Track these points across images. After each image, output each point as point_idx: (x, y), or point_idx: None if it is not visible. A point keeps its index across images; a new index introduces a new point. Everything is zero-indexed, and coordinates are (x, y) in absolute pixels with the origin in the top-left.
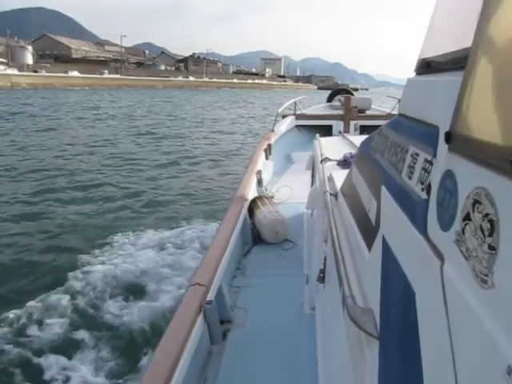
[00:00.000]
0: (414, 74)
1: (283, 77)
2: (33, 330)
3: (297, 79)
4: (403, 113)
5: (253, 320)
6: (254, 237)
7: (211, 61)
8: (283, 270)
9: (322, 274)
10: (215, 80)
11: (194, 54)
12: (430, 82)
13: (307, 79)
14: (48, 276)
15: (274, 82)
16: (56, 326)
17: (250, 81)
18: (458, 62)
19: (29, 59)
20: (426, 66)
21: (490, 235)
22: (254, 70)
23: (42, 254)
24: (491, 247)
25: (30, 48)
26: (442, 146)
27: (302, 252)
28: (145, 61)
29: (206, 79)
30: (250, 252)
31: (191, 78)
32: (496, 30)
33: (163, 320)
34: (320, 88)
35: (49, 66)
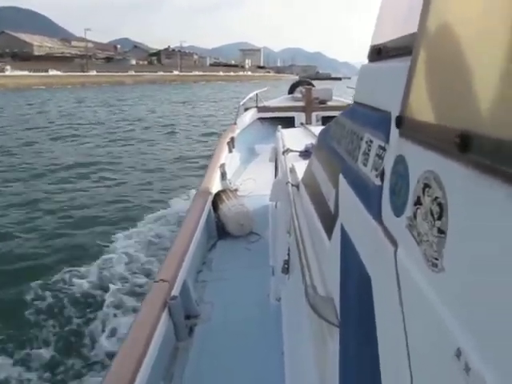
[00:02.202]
0: (367, 61)
1: (263, 67)
2: None
3: (277, 70)
4: (358, 100)
5: (219, 314)
6: (219, 231)
7: (186, 53)
8: (249, 263)
9: (286, 265)
10: (190, 73)
11: (169, 46)
12: (381, 69)
13: (288, 69)
14: None
15: (256, 74)
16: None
17: (232, 73)
18: (406, 48)
19: None
20: (377, 53)
21: (439, 218)
22: (233, 62)
23: None
24: (440, 231)
25: None
26: (394, 132)
27: (268, 244)
28: (114, 56)
29: (179, 73)
30: (216, 246)
31: (160, 73)
32: (438, 15)
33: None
34: (301, 78)
35: (1, 63)
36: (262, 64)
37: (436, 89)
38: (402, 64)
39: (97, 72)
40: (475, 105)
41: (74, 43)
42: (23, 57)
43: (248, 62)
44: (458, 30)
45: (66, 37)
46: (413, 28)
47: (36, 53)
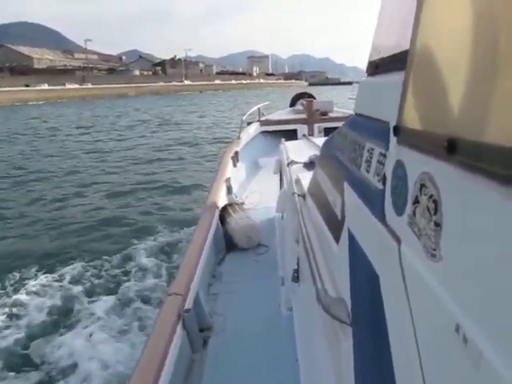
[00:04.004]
0: (366, 75)
1: (272, 74)
2: None
3: (285, 76)
4: (358, 112)
5: (232, 325)
6: (228, 244)
7: (191, 62)
8: (258, 274)
9: (296, 274)
10: (196, 83)
11: (174, 56)
12: (378, 83)
13: (297, 75)
14: None
15: (269, 81)
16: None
17: (243, 81)
18: (401, 63)
19: None
20: (375, 68)
21: (435, 213)
22: (240, 70)
23: None
24: (437, 224)
25: None
26: (393, 140)
27: (276, 255)
28: (117, 67)
29: (176, 83)
30: (225, 259)
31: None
32: (427, 32)
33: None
34: (311, 84)
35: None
36: (270, 71)
37: (427, 100)
38: (397, 78)
39: (92, 84)
40: (460, 113)
41: (76, 55)
42: (21, 70)
43: (256, 70)
44: (444, 46)
45: (76, 50)
46: (406, 45)
47: (36, 66)
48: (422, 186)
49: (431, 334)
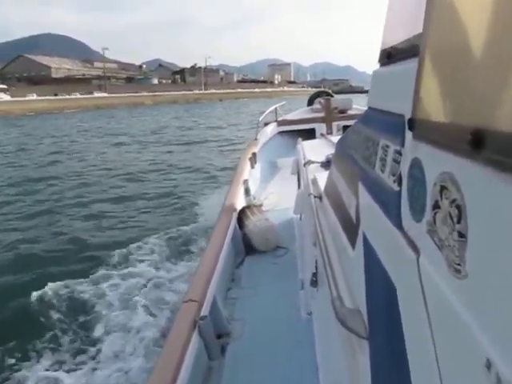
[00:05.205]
0: (378, 65)
1: (294, 82)
2: None
3: (308, 84)
4: (372, 106)
5: (251, 331)
6: (246, 247)
7: (212, 70)
8: (278, 278)
9: (314, 278)
10: (214, 91)
11: (195, 64)
12: (391, 72)
13: (319, 84)
14: None
15: (292, 89)
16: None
17: (268, 89)
18: (414, 49)
19: None
20: (387, 57)
21: (459, 222)
22: (262, 78)
23: None
24: (461, 234)
25: None
26: (409, 135)
27: (295, 257)
28: (135, 75)
29: (202, 91)
30: (243, 263)
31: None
32: (442, 12)
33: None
34: (334, 92)
35: (14, 88)
36: (292, 79)
37: (444, 88)
38: (411, 65)
39: (109, 93)
40: (485, 101)
41: (95, 64)
42: (39, 80)
43: (278, 78)
44: (462, 26)
45: (93, 58)
46: (419, 28)
47: (54, 75)
48: (443, 188)
49: (456, 365)
